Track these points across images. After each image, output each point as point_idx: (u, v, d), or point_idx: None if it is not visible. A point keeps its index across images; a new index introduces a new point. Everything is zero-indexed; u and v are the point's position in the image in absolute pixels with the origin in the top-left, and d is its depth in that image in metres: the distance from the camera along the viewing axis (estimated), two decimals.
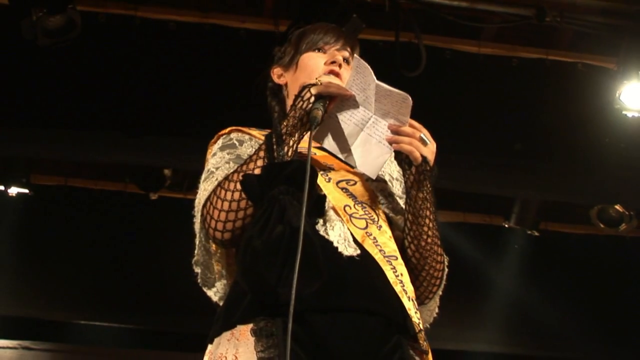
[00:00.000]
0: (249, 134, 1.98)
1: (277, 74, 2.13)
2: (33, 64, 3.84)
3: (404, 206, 1.93)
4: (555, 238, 5.57)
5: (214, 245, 1.85)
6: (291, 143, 1.79)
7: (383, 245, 1.81)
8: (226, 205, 1.75)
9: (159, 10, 4.02)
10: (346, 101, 1.85)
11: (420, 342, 1.76)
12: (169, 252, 4.04)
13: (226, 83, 3.92)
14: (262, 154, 1.77)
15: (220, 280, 1.90)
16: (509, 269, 5.51)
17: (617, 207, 5.21)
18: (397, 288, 1.77)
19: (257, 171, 1.74)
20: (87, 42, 3.79)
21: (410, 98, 1.79)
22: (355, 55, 1.90)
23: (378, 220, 1.86)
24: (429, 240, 1.88)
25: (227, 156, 1.91)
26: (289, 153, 1.78)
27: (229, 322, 1.71)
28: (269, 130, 1.84)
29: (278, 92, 2.14)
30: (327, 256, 1.68)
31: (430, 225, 1.88)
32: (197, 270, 1.91)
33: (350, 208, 1.85)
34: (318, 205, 1.75)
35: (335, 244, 1.76)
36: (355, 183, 1.92)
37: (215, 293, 1.91)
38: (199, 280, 1.92)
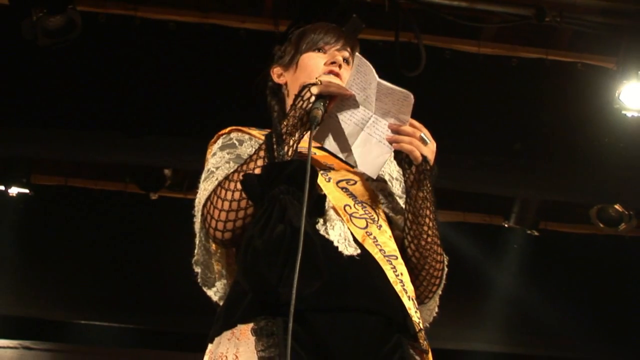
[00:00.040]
0: (248, 133, 1.98)
1: (277, 73, 2.13)
2: (33, 64, 3.84)
3: (403, 206, 1.93)
4: (555, 238, 5.57)
5: (214, 245, 1.85)
6: (291, 143, 1.79)
7: (383, 245, 1.82)
8: (226, 205, 1.75)
9: (159, 10, 4.02)
10: (346, 101, 1.85)
11: (421, 341, 1.77)
12: (169, 252, 4.04)
13: (226, 83, 3.92)
14: (262, 153, 1.77)
15: (220, 280, 1.91)
16: (508, 269, 5.51)
17: (617, 206, 5.22)
18: (397, 287, 1.77)
19: (258, 171, 1.74)
20: (87, 43, 3.79)
21: (412, 96, 1.79)
22: (356, 54, 1.91)
23: (378, 219, 1.87)
24: (429, 239, 1.88)
25: (227, 156, 1.91)
26: (289, 153, 1.78)
27: (230, 322, 1.71)
28: (268, 130, 1.84)
29: (278, 91, 2.14)
30: (327, 256, 1.68)
31: (430, 224, 1.88)
32: (197, 270, 1.92)
33: (351, 208, 1.85)
34: (318, 205, 1.76)
35: (335, 244, 1.76)
36: (356, 183, 1.92)
37: (215, 293, 1.92)
38: (199, 280, 1.93)
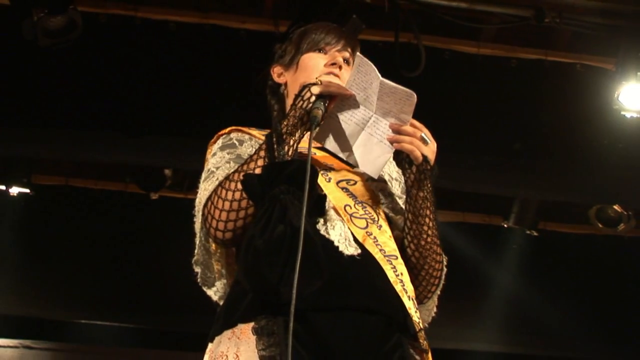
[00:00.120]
0: (248, 133, 1.99)
1: (277, 73, 2.14)
2: (34, 65, 3.85)
3: (403, 206, 1.94)
4: (554, 238, 5.58)
5: (213, 245, 1.86)
6: (291, 142, 1.80)
7: (383, 245, 1.82)
8: (227, 204, 1.76)
9: (159, 10, 4.03)
10: (346, 101, 1.85)
11: (421, 341, 1.77)
12: (169, 252, 4.04)
13: (226, 83, 3.93)
14: (262, 153, 1.77)
15: (220, 280, 1.91)
16: (508, 269, 5.52)
17: (616, 207, 5.23)
18: (398, 287, 1.78)
19: (258, 171, 1.75)
20: (88, 43, 3.80)
21: (415, 95, 1.79)
22: (358, 53, 1.91)
23: (378, 219, 1.87)
24: (429, 239, 1.89)
25: (228, 156, 1.91)
26: (290, 153, 1.78)
27: (230, 321, 1.72)
28: (268, 130, 1.84)
29: (277, 90, 2.14)
30: (328, 255, 1.69)
31: (430, 224, 1.89)
32: (197, 269, 1.92)
33: (351, 208, 1.85)
34: (319, 205, 1.76)
35: (336, 244, 1.76)
36: (356, 183, 1.93)
37: (215, 292, 1.93)
38: (199, 280, 1.93)
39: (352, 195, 1.89)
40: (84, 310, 5.46)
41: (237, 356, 1.66)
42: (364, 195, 1.91)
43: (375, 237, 1.82)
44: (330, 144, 1.90)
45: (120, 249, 5.31)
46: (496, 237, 5.49)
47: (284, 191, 1.65)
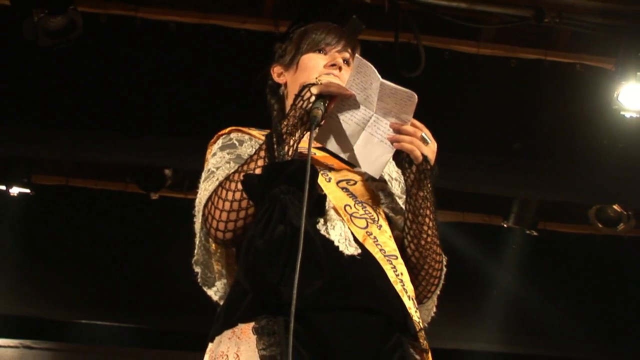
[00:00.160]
0: (248, 134, 1.99)
1: (277, 72, 2.14)
2: (34, 65, 3.85)
3: (403, 206, 1.94)
4: (554, 238, 5.58)
5: (213, 245, 1.86)
6: (291, 143, 1.80)
7: (383, 245, 1.83)
8: (227, 205, 1.76)
9: (160, 11, 4.03)
10: (346, 101, 1.85)
11: (421, 340, 1.78)
12: (169, 252, 4.04)
13: (226, 83, 3.93)
14: (262, 153, 1.78)
15: (220, 280, 1.91)
16: (508, 269, 5.52)
17: (615, 207, 5.23)
18: (398, 287, 1.78)
19: (258, 171, 1.75)
20: (88, 43, 3.80)
21: (415, 96, 1.79)
22: (356, 55, 1.91)
23: (378, 219, 1.87)
24: (429, 239, 1.89)
25: (227, 156, 1.91)
26: (290, 153, 1.79)
27: (230, 321, 1.72)
28: (268, 131, 1.85)
29: (277, 90, 2.15)
30: (328, 255, 1.69)
31: (430, 224, 1.89)
32: (197, 269, 1.92)
33: (351, 207, 1.86)
34: (319, 205, 1.76)
35: (336, 243, 1.77)
36: (356, 183, 1.93)
37: (215, 292, 1.93)
38: (199, 280, 1.94)
39: (352, 195, 1.89)
40: (84, 310, 5.47)
41: (238, 356, 1.66)
42: (364, 195, 1.91)
43: (375, 237, 1.83)
44: (331, 144, 1.90)
45: (120, 249, 5.31)
46: (496, 237, 5.49)
47: (284, 191, 1.65)
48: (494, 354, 5.75)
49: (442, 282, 1.97)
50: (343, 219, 1.83)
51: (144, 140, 4.09)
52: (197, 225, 1.88)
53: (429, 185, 1.87)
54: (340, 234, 1.79)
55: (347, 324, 1.68)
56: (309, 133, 1.78)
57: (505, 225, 5.39)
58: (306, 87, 1.82)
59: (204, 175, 1.91)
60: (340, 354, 1.66)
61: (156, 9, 4.02)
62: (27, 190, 5.08)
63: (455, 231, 5.19)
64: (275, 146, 1.77)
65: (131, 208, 5.28)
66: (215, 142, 2.00)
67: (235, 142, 1.96)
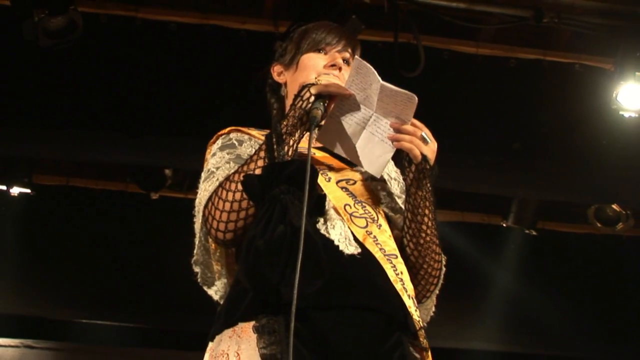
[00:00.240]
0: (248, 134, 1.99)
1: (277, 72, 2.14)
2: (34, 65, 3.86)
3: (402, 205, 1.95)
4: (553, 237, 5.59)
5: (213, 245, 1.86)
6: (291, 143, 1.80)
7: (383, 244, 1.83)
8: (227, 205, 1.76)
9: (160, 11, 4.03)
10: (346, 100, 1.85)
11: (421, 339, 1.78)
12: (170, 252, 4.04)
13: (226, 83, 3.93)
14: (262, 153, 1.78)
15: (220, 279, 1.92)
16: (507, 268, 5.53)
17: (614, 206, 5.24)
18: (398, 286, 1.78)
19: (258, 171, 1.75)
20: (88, 43, 3.80)
21: (415, 98, 1.79)
22: (355, 56, 1.91)
23: (378, 219, 1.88)
24: (428, 238, 1.90)
25: (227, 156, 1.92)
26: (289, 153, 1.79)
27: (231, 320, 1.73)
28: (268, 131, 1.85)
29: (277, 89, 2.15)
30: (328, 255, 1.70)
31: (429, 223, 1.89)
32: (197, 269, 1.93)
33: (351, 207, 1.86)
34: (319, 205, 1.77)
35: (336, 243, 1.77)
36: (355, 182, 1.93)
37: (216, 292, 1.93)
38: (199, 280, 1.94)
39: (352, 195, 1.89)
40: (84, 309, 5.47)
41: (238, 355, 1.67)
42: (363, 195, 1.92)
43: (375, 236, 1.83)
44: (332, 144, 1.90)
45: (120, 249, 5.31)
46: (495, 237, 5.50)
47: (284, 191, 1.65)
48: (493, 353, 5.76)
49: (441, 281, 1.97)
50: (343, 218, 1.83)
51: (144, 140, 4.09)
52: (197, 226, 1.88)
53: (428, 184, 1.87)
54: (340, 233, 1.79)
55: (347, 322, 1.69)
56: (308, 133, 1.78)
57: (504, 225, 5.40)
58: (305, 87, 1.82)
59: (203, 175, 1.92)
60: (341, 353, 1.66)
61: (156, 9, 4.03)
62: (28, 190, 5.09)
63: (455, 231, 5.19)
64: (275, 146, 1.77)
65: (131, 208, 5.28)
66: (214, 142, 2.00)
67: (235, 142, 1.96)
